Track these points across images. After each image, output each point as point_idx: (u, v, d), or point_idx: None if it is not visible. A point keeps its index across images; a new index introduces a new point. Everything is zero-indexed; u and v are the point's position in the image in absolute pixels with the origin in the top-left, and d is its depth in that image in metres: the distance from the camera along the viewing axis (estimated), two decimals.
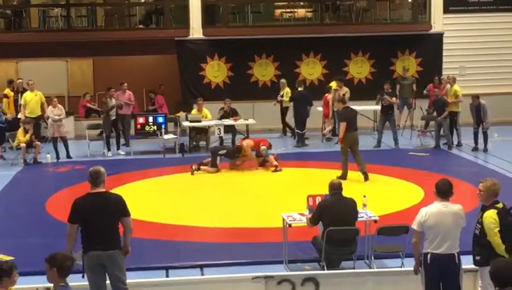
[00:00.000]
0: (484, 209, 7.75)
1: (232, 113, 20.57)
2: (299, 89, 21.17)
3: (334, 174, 14.97)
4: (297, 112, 20.81)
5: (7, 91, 21.08)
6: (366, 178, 15.65)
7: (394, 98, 19.70)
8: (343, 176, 15.27)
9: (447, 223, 7.73)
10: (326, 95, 20.97)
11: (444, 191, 7.83)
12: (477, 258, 7.78)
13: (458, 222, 7.81)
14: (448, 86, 20.93)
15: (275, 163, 17.22)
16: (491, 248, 7.58)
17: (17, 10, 23.52)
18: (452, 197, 7.89)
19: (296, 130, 20.83)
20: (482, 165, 17.44)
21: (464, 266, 7.98)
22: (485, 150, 18.93)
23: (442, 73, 22.78)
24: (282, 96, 21.62)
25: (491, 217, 7.61)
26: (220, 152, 17.45)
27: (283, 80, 22.04)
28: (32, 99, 19.83)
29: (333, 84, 21.03)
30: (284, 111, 21.82)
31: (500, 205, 7.71)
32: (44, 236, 11.89)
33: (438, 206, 7.80)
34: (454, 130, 19.98)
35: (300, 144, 20.58)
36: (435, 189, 7.87)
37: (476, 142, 19.21)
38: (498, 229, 7.57)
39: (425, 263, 7.81)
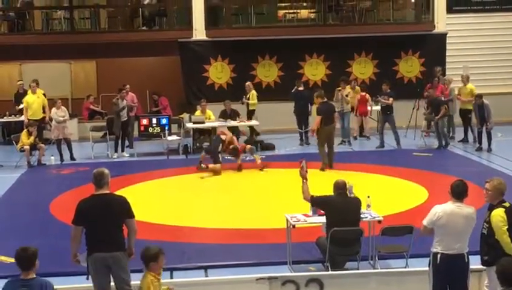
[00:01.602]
0: (491, 208, 7.73)
1: (234, 115, 20.57)
2: (300, 88, 21.25)
3: (338, 174, 14.96)
4: (297, 111, 20.93)
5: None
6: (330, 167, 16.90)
7: (391, 99, 19.68)
8: (324, 167, 16.75)
9: (458, 225, 7.72)
10: (364, 94, 21.01)
11: (458, 192, 7.83)
12: (486, 258, 7.76)
13: (469, 224, 7.81)
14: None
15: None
16: (499, 247, 7.56)
17: (21, 12, 23.53)
18: (466, 198, 7.89)
19: (299, 130, 20.97)
20: (486, 165, 17.41)
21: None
22: (489, 150, 18.90)
23: (446, 73, 22.77)
24: (248, 98, 21.52)
25: (499, 215, 7.60)
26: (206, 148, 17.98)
27: (248, 83, 21.96)
28: (34, 102, 19.83)
29: (355, 90, 21.19)
30: (249, 114, 21.43)
31: (507, 204, 7.70)
32: (49, 238, 11.89)
33: (451, 207, 7.79)
34: (469, 127, 20.04)
35: (303, 143, 20.74)
36: (450, 189, 7.87)
37: (479, 142, 19.20)
38: (506, 227, 7.56)
39: (434, 262, 7.80)
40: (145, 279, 7.39)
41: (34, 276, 6.83)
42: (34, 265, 6.88)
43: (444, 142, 19.48)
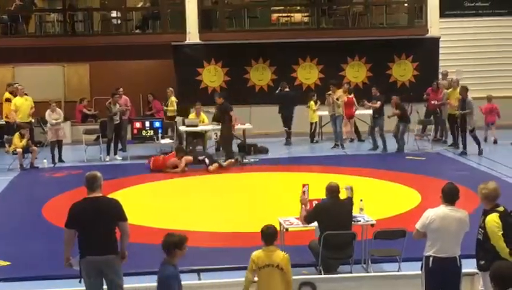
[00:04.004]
0: (486, 213, 7.73)
1: None
2: (286, 90, 21.60)
3: (331, 178, 14.95)
4: (283, 112, 21.38)
5: (8, 95, 20.93)
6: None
7: (379, 102, 19.74)
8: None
9: (451, 228, 7.72)
10: (351, 96, 21.07)
11: (450, 196, 7.82)
12: (481, 262, 7.74)
13: (462, 227, 7.80)
14: (445, 90, 20.97)
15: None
16: (495, 252, 7.53)
17: (14, 15, 23.47)
18: (458, 201, 7.90)
19: (286, 129, 21.64)
20: (479, 169, 17.42)
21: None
22: (480, 152, 18.84)
23: (439, 77, 22.81)
24: (166, 105, 21.57)
25: (493, 220, 7.59)
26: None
27: (170, 89, 21.95)
28: (23, 104, 19.81)
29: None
30: (170, 120, 21.28)
31: (501, 209, 7.69)
32: (41, 241, 11.89)
33: (444, 210, 7.79)
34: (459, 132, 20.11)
35: (289, 142, 21.46)
36: (441, 193, 7.85)
37: (464, 146, 19.08)
38: (502, 232, 7.55)
39: (426, 266, 7.79)
40: (279, 254, 7.79)
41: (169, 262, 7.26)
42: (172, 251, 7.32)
43: (400, 147, 19.55)
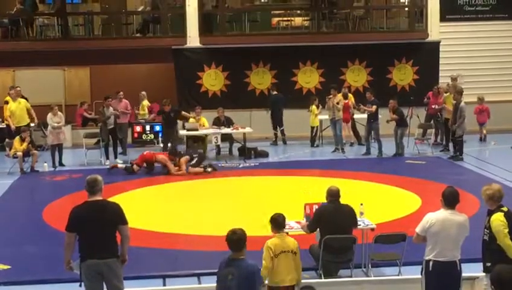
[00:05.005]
0: (491, 213, 7.74)
1: (227, 122, 20.58)
2: (274, 93, 21.99)
3: (331, 182, 14.97)
4: (273, 114, 21.84)
5: (9, 98, 20.95)
6: None
7: (374, 106, 19.75)
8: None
9: (451, 232, 7.72)
10: (347, 101, 21.06)
11: (450, 200, 7.83)
12: (488, 264, 7.70)
13: (462, 232, 7.81)
14: (445, 94, 20.95)
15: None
16: (501, 253, 7.54)
17: (15, 19, 23.45)
18: (458, 205, 7.90)
19: (275, 133, 22.13)
20: (479, 173, 17.42)
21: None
22: (457, 157, 18.85)
23: (439, 81, 22.80)
24: (138, 109, 21.77)
25: (498, 219, 7.60)
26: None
27: (143, 92, 22.05)
28: (17, 108, 19.78)
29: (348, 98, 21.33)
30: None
31: (505, 209, 7.71)
32: (42, 245, 11.89)
33: (444, 214, 7.80)
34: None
35: (276, 143, 22.05)
36: (442, 197, 7.86)
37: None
38: (507, 230, 7.55)
39: (426, 270, 7.80)
40: (290, 239, 8.47)
41: (243, 257, 7.29)
42: (244, 247, 7.32)
43: (399, 151, 19.58)
